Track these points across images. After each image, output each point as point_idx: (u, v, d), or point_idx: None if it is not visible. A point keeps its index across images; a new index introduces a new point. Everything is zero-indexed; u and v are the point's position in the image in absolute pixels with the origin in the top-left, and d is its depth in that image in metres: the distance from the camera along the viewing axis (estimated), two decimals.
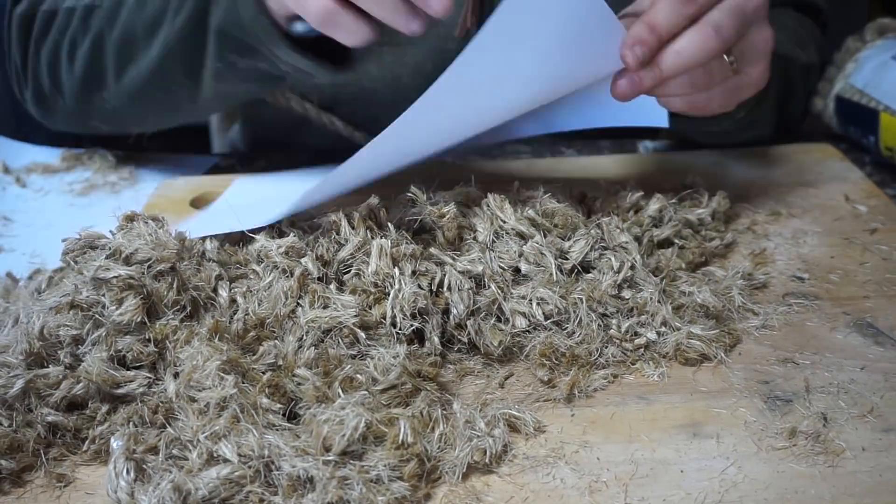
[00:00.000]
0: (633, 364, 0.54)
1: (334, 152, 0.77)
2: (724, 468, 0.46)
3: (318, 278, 0.55)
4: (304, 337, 0.51)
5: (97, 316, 0.50)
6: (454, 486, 0.45)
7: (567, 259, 0.57)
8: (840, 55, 0.90)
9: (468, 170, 0.82)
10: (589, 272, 0.58)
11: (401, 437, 0.45)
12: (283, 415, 0.48)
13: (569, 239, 0.58)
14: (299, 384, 0.48)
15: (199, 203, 0.79)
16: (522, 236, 0.57)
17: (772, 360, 0.54)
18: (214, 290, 0.55)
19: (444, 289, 0.55)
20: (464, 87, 0.56)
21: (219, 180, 0.84)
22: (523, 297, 0.55)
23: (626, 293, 0.56)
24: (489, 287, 0.55)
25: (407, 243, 0.55)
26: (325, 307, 0.53)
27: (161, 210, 0.77)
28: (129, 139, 0.88)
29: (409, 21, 0.59)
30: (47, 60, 0.81)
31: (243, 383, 0.48)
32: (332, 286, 0.55)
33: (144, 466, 0.45)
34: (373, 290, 0.53)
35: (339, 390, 0.48)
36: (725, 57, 0.62)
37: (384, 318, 0.53)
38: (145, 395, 0.49)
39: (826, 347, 0.55)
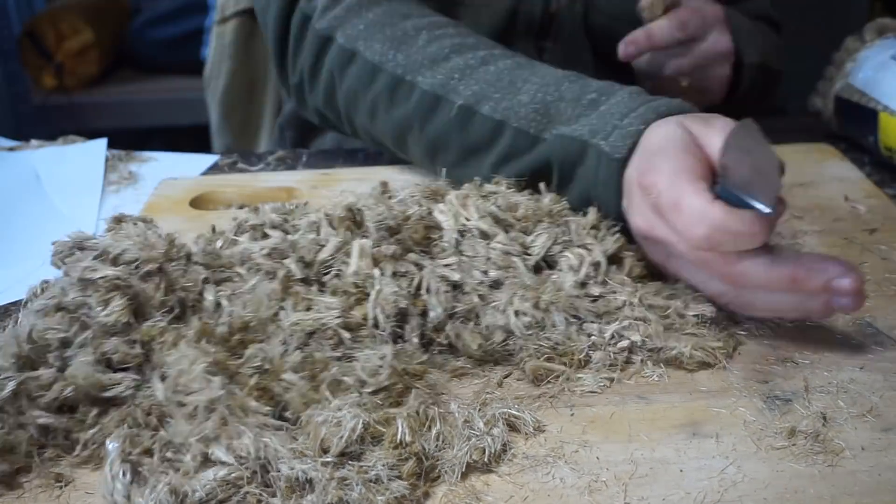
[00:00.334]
0: (623, 370, 0.53)
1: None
2: (723, 468, 0.46)
3: (301, 280, 0.55)
4: (289, 340, 0.51)
5: (84, 318, 0.50)
6: (454, 485, 0.45)
7: (530, 255, 0.57)
8: (839, 55, 0.90)
9: None
10: (553, 268, 0.58)
11: (399, 437, 0.45)
12: (274, 417, 0.47)
13: (531, 233, 0.58)
14: (287, 389, 0.48)
15: (199, 203, 0.79)
16: (486, 235, 0.57)
17: (771, 359, 0.54)
18: (201, 292, 0.54)
19: (423, 291, 0.55)
20: None
21: (219, 180, 0.84)
22: (499, 310, 0.54)
23: (595, 290, 0.56)
24: (469, 294, 0.55)
25: (388, 243, 0.55)
26: (309, 309, 0.53)
27: (161, 210, 0.77)
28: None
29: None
30: (345, 99, 0.80)
31: (231, 384, 0.47)
32: (315, 287, 0.55)
33: (140, 469, 0.44)
34: (353, 290, 0.53)
35: (328, 394, 0.48)
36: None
37: (366, 319, 0.53)
38: (134, 397, 0.49)
39: (825, 347, 0.55)
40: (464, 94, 0.70)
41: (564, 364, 0.53)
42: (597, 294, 0.56)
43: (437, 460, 0.46)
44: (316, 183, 0.81)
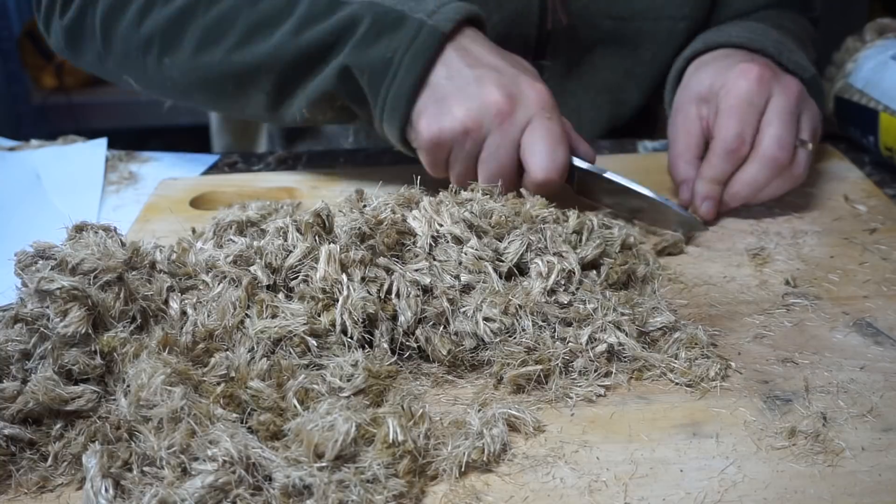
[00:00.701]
0: (607, 376, 0.53)
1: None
2: (723, 468, 0.46)
3: (268, 286, 0.55)
4: (255, 348, 0.51)
5: (43, 329, 0.49)
6: (454, 485, 0.45)
7: (503, 261, 0.57)
8: (840, 55, 0.90)
9: None
10: (525, 275, 0.57)
11: (391, 436, 0.45)
12: (242, 423, 0.47)
13: (504, 239, 0.58)
14: (254, 396, 0.48)
15: (199, 203, 0.79)
16: (459, 240, 0.57)
17: (771, 359, 0.54)
18: (166, 301, 0.54)
19: (393, 295, 0.54)
20: None
21: (219, 180, 0.84)
22: (468, 316, 0.54)
23: (563, 297, 0.55)
24: (439, 298, 0.54)
25: (356, 249, 0.55)
26: (274, 316, 0.52)
27: (161, 210, 0.77)
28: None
29: None
30: (108, 5, 0.78)
31: (195, 394, 0.47)
32: (281, 294, 0.55)
33: (123, 482, 0.44)
34: (321, 296, 0.53)
35: (295, 402, 0.47)
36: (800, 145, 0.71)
37: (333, 326, 0.52)
38: (96, 409, 0.48)
39: (825, 347, 0.55)
40: None
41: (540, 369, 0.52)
42: (565, 302, 0.55)
43: (433, 458, 0.46)
44: (316, 183, 0.81)
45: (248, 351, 0.51)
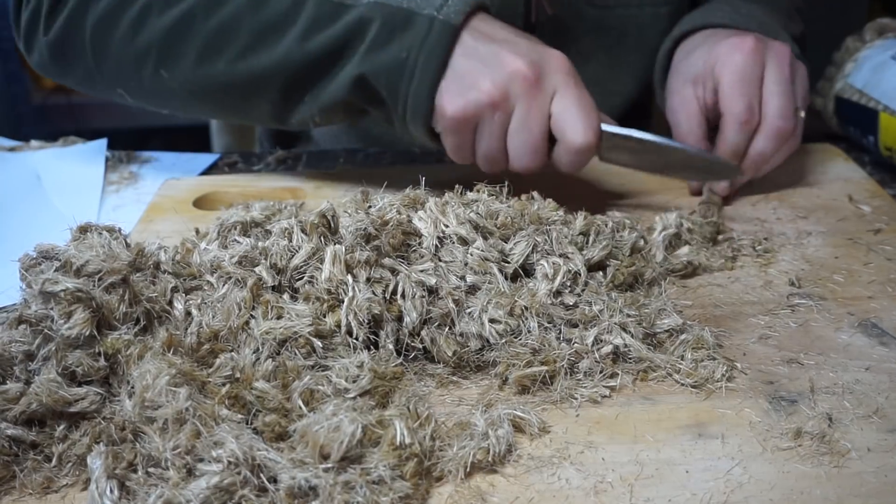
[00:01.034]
0: (612, 377, 0.52)
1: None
2: (729, 468, 0.45)
3: (273, 287, 0.55)
4: (261, 349, 0.51)
5: (46, 330, 0.49)
6: (459, 486, 0.45)
7: (508, 262, 0.57)
8: (839, 55, 0.90)
9: (467, 170, 0.82)
10: (530, 276, 0.57)
11: (398, 439, 0.45)
12: (247, 423, 0.47)
13: (509, 240, 0.58)
14: (259, 397, 0.48)
15: (202, 203, 0.79)
16: (465, 241, 0.57)
17: (776, 360, 0.54)
18: (170, 302, 0.54)
19: (398, 296, 0.54)
20: None
21: (222, 180, 0.84)
22: (473, 317, 0.54)
23: (569, 299, 0.55)
24: (444, 299, 0.54)
25: (361, 249, 0.55)
26: (279, 317, 0.52)
27: (164, 210, 0.77)
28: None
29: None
30: (99, 19, 0.75)
31: (200, 394, 0.47)
32: (286, 296, 0.54)
33: (127, 483, 0.44)
34: (326, 297, 0.53)
35: (300, 403, 0.47)
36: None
37: (339, 327, 0.52)
38: (100, 411, 0.48)
39: (831, 348, 0.55)
40: None
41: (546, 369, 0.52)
42: (571, 303, 0.55)
43: (438, 459, 0.46)
44: (320, 183, 0.81)
45: (254, 352, 0.51)
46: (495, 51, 0.66)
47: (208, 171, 0.89)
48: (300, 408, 0.47)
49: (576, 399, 0.51)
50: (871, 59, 0.85)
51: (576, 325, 0.54)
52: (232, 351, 0.51)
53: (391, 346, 0.53)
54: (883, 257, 0.66)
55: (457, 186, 0.63)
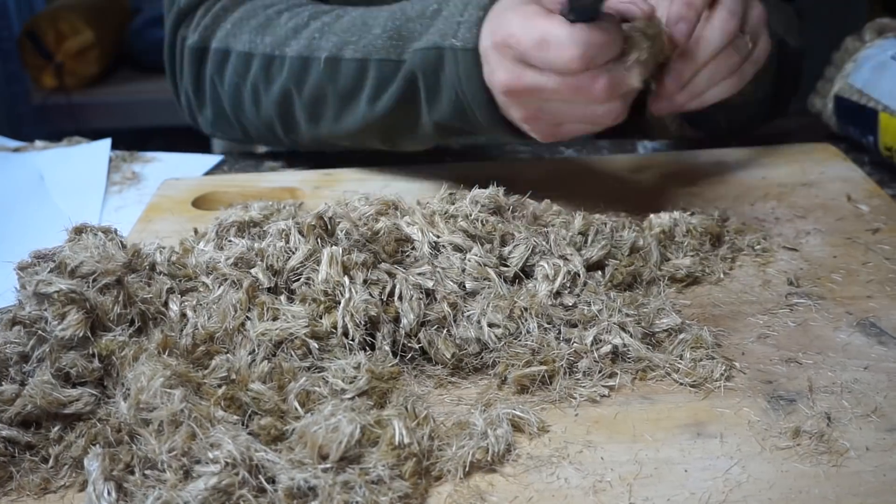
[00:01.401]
0: (611, 377, 0.52)
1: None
2: (728, 468, 0.46)
3: (269, 289, 0.55)
4: (256, 350, 0.51)
5: (41, 332, 0.49)
6: (458, 485, 0.45)
7: (507, 266, 0.57)
8: (839, 55, 0.90)
9: (465, 170, 0.82)
10: (530, 278, 0.57)
11: (397, 439, 0.45)
12: (242, 425, 0.47)
13: (507, 244, 0.58)
14: (255, 398, 0.48)
15: (201, 203, 0.79)
16: (460, 248, 0.57)
17: (775, 359, 0.54)
18: (165, 303, 0.54)
19: (395, 298, 0.54)
20: None
21: (221, 180, 0.84)
22: (472, 321, 0.54)
23: (568, 299, 0.55)
24: (440, 303, 0.54)
25: (358, 252, 0.55)
26: (275, 319, 0.52)
27: (163, 210, 0.77)
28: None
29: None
30: (230, 98, 0.84)
31: (196, 396, 0.47)
32: (283, 297, 0.55)
33: (125, 485, 0.44)
34: (323, 298, 0.53)
35: (296, 404, 0.47)
36: (742, 34, 0.67)
37: (335, 328, 0.52)
38: (94, 412, 0.48)
39: (829, 347, 0.55)
40: (326, 48, 0.76)
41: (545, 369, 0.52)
42: (570, 304, 0.55)
43: (437, 459, 0.46)
44: (319, 183, 0.81)
45: (249, 353, 0.51)
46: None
47: (211, 171, 0.89)
48: (296, 409, 0.47)
49: (575, 399, 0.51)
50: (871, 59, 0.85)
51: (575, 326, 0.54)
52: (228, 353, 0.51)
53: (388, 348, 0.54)
54: (881, 257, 0.66)
55: (444, 187, 0.62)
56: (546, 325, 0.54)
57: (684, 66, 0.66)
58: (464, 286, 0.55)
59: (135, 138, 1.56)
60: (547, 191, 0.76)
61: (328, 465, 0.43)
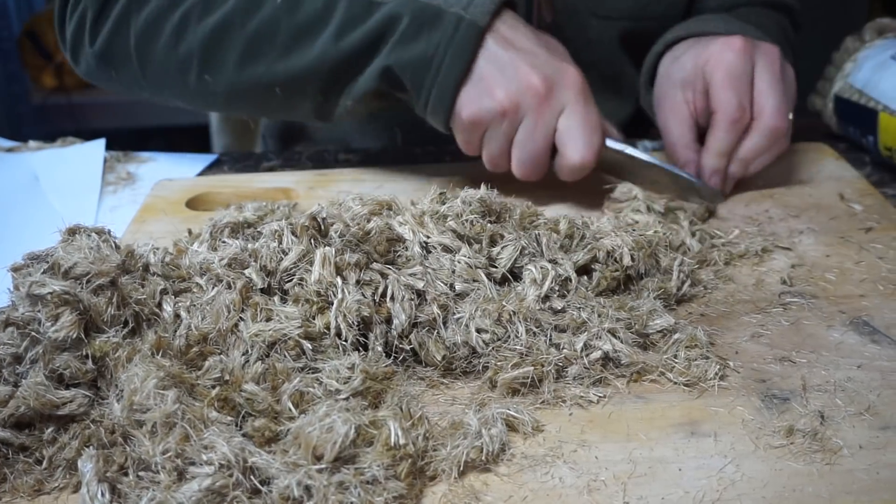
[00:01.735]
0: (601, 384, 0.52)
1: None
2: (722, 466, 0.46)
3: (262, 289, 0.55)
4: (250, 351, 0.51)
5: (34, 333, 0.49)
6: (453, 485, 0.45)
7: (496, 266, 0.57)
8: (839, 55, 0.90)
9: (460, 170, 0.83)
10: (519, 280, 0.57)
11: (392, 440, 0.45)
12: (236, 426, 0.47)
13: (496, 244, 0.58)
14: (248, 399, 0.48)
15: (195, 204, 0.79)
16: (449, 249, 0.57)
17: (769, 358, 0.54)
18: (159, 304, 0.54)
19: (387, 299, 0.55)
20: None
21: (215, 180, 0.84)
22: (461, 325, 0.54)
23: (557, 303, 0.55)
24: (430, 304, 0.54)
25: (351, 252, 0.55)
26: (269, 320, 0.52)
27: (157, 211, 0.77)
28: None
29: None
30: (142, 28, 0.77)
31: (190, 397, 0.47)
32: (276, 298, 0.55)
33: (118, 486, 0.44)
34: (316, 299, 0.53)
35: (290, 405, 0.47)
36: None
37: (328, 329, 0.52)
38: (88, 413, 0.48)
39: (823, 346, 0.55)
40: None
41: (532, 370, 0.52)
42: (559, 308, 0.55)
43: (432, 459, 0.46)
44: (313, 184, 0.81)
45: (243, 354, 0.51)
46: (513, 60, 0.69)
47: (205, 171, 0.90)
48: (290, 410, 0.47)
49: (565, 402, 0.51)
50: (871, 59, 0.85)
51: (564, 331, 0.54)
52: (221, 353, 0.51)
53: (380, 349, 0.54)
54: (874, 256, 0.66)
55: (434, 189, 0.62)
56: (535, 330, 0.54)
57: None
58: (453, 287, 0.55)
59: (134, 138, 1.56)
60: (546, 190, 0.76)
61: (323, 466, 0.43)
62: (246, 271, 0.55)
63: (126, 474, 0.44)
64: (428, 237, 0.57)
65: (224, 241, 0.59)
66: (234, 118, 1.29)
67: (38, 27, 2.33)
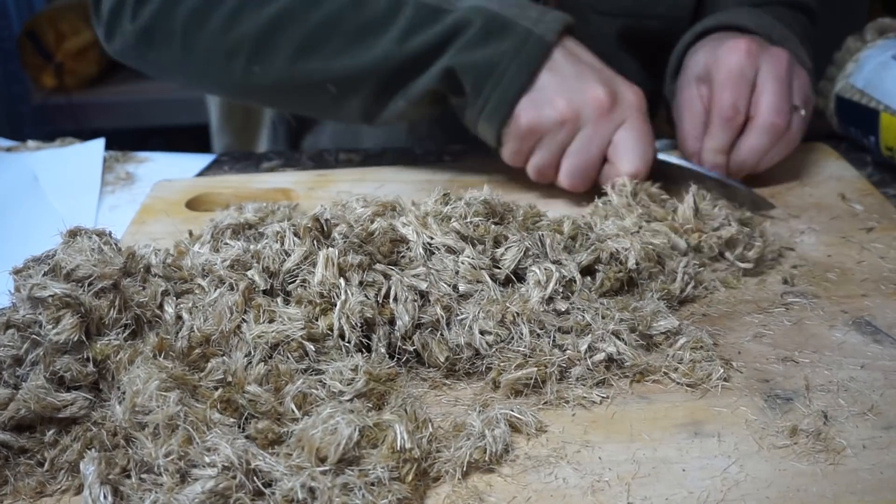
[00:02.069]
0: (605, 385, 0.52)
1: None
2: (725, 467, 0.46)
3: (265, 291, 0.55)
4: (252, 353, 0.51)
5: (35, 336, 0.49)
6: (456, 486, 0.45)
7: (500, 267, 0.57)
8: (840, 55, 0.90)
9: (462, 170, 0.82)
10: (523, 281, 0.57)
11: (398, 444, 0.45)
12: (239, 427, 0.47)
13: (500, 245, 0.58)
14: (251, 401, 0.47)
15: (194, 204, 0.79)
16: (453, 250, 0.57)
17: (771, 358, 0.54)
18: (160, 306, 0.53)
19: (390, 300, 0.54)
20: None
21: (215, 181, 0.84)
22: (464, 327, 0.54)
23: (561, 305, 0.55)
24: (434, 305, 0.54)
25: (354, 253, 0.55)
26: (271, 321, 0.52)
27: (156, 211, 0.77)
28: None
29: None
30: (193, 9, 0.75)
31: (192, 399, 0.47)
32: (279, 300, 0.54)
33: (121, 489, 0.43)
34: (318, 300, 0.53)
35: (293, 406, 0.47)
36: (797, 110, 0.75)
37: (331, 330, 0.52)
38: (89, 416, 0.48)
39: (825, 346, 0.55)
40: None
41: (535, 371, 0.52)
42: (563, 310, 0.55)
43: (436, 460, 0.46)
44: (312, 184, 0.81)
45: (246, 356, 0.51)
46: (580, 73, 0.70)
47: (204, 172, 0.89)
48: (293, 412, 0.47)
49: (568, 403, 0.51)
50: (872, 59, 0.85)
51: (568, 332, 0.54)
52: (224, 355, 0.51)
53: (383, 350, 0.54)
54: (875, 255, 0.66)
55: (437, 188, 0.62)
56: (538, 331, 0.54)
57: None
58: (457, 288, 0.55)
59: (134, 138, 1.56)
60: (547, 190, 0.76)
61: (326, 468, 0.43)
62: (248, 273, 0.55)
63: (128, 477, 0.44)
64: (431, 238, 0.57)
65: (226, 243, 0.59)
66: (235, 118, 1.28)
67: (38, 27, 2.32)
